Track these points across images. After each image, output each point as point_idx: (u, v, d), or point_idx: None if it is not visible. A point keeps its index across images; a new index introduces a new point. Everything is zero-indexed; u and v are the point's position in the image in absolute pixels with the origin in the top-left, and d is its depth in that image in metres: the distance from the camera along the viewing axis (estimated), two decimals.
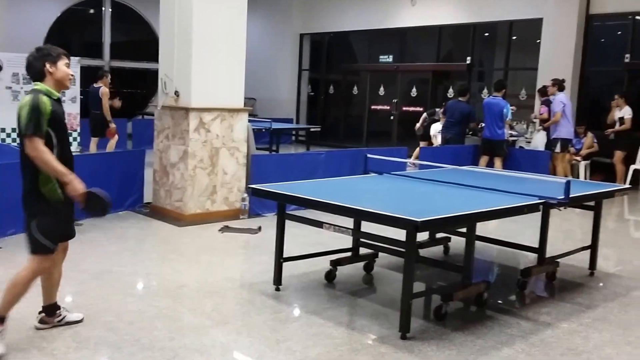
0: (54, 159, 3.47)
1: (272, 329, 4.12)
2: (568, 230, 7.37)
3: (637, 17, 11.76)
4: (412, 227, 3.70)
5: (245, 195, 7.27)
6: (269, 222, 6.46)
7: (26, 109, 3.44)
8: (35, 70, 3.62)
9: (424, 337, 3.98)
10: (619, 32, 12.31)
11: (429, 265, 5.37)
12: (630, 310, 4.72)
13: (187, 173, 6.93)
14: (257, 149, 9.32)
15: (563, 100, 10.13)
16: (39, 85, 3.59)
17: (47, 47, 3.70)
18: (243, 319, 4.27)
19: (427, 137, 11.77)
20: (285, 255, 4.81)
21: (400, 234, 3.88)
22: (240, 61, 7.27)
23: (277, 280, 4.79)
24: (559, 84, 10.24)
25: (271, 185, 4.81)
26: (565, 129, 10.15)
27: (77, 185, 3.53)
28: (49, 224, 3.58)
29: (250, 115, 8.17)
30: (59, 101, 3.65)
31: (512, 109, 10.22)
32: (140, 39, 18.51)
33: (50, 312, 3.89)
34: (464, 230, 4.61)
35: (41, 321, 3.88)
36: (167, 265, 5.03)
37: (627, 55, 11.74)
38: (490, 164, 9.87)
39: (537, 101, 11.73)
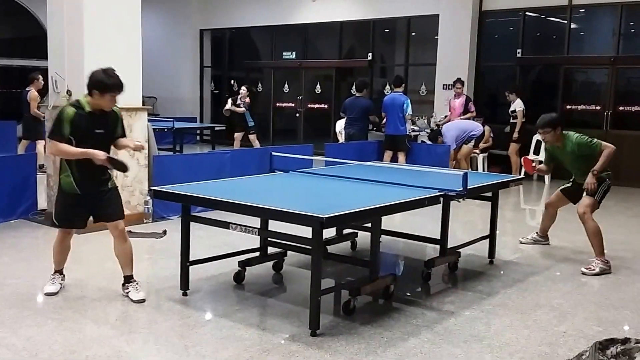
0: (69, 147, 4.25)
1: (180, 335, 4.03)
2: (469, 221, 7.65)
3: (527, 13, 12.37)
4: (317, 224, 3.71)
5: (148, 198, 7.07)
6: (174, 225, 6.31)
7: (53, 116, 4.28)
8: (87, 86, 4.30)
9: (333, 332, 4.01)
10: (511, 28, 12.89)
11: (337, 261, 5.43)
12: (527, 295, 4.96)
13: None
14: (160, 149, 9.08)
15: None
16: (79, 98, 4.38)
17: (105, 77, 4.24)
18: (149, 327, 4.14)
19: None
20: (191, 258, 4.71)
21: (307, 232, 3.88)
22: (136, 57, 6.99)
23: (184, 284, 4.68)
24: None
25: (174, 187, 4.70)
26: (476, 126, 10.67)
27: (96, 155, 4.25)
28: (57, 207, 4.57)
29: (151, 114, 7.96)
30: (90, 114, 4.31)
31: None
32: (28, 35, 17.47)
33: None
34: (370, 225, 4.69)
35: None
36: (67, 275, 4.80)
37: (519, 50, 12.34)
38: (394, 159, 10.10)
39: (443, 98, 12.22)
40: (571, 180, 6.12)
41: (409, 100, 10.12)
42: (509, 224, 7.63)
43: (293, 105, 15.94)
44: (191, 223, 4.66)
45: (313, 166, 6.75)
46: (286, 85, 16.17)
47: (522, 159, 6.15)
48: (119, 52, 6.81)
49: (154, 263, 5.82)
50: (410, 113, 10.27)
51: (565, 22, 11.88)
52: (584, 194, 5.74)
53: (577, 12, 11.89)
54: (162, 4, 16.63)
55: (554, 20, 12.32)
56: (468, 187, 4.73)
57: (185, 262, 4.67)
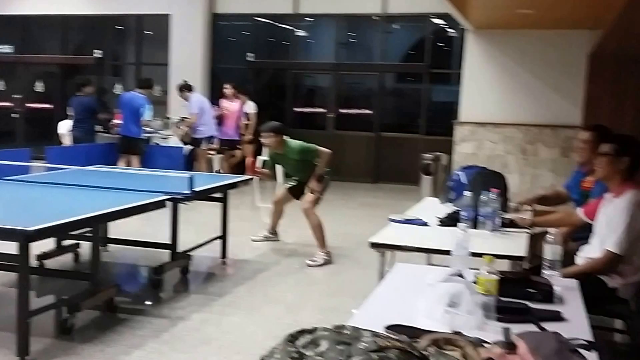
0: None
1: None
2: (202, 223, 7.60)
3: (258, 19, 12.82)
4: (23, 238, 3.35)
5: None
6: None
7: None
8: None
9: (47, 356, 3.65)
10: (244, 32, 13.22)
11: (55, 276, 4.99)
12: (257, 292, 5.09)
13: None
14: None
15: (200, 101, 10.42)
16: None
17: None
18: None
19: None
20: None
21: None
22: None
23: None
24: (187, 87, 10.52)
25: None
26: (208, 127, 10.52)
27: None
28: None
29: None
30: None
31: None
32: None
33: None
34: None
35: None
36: None
37: (251, 54, 12.72)
38: (129, 162, 9.66)
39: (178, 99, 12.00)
40: (295, 179, 6.44)
41: (148, 104, 9.64)
42: (244, 223, 7.73)
43: (10, 104, 14.38)
44: None
45: (31, 173, 6.15)
46: (1, 83, 14.57)
47: (248, 161, 6.32)
48: None
49: None
50: (149, 119, 9.77)
51: (293, 29, 12.54)
52: (307, 191, 6.08)
53: (303, 20, 12.63)
54: None
55: (283, 26, 12.91)
56: (196, 190, 4.70)
57: None
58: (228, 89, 10.79)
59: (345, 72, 12.50)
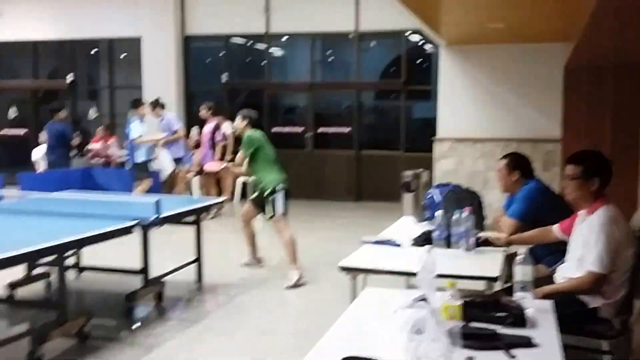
0: None
1: None
2: (177, 247, 7.46)
3: (231, 40, 12.77)
4: None
5: None
6: None
7: None
8: None
9: None
10: (217, 53, 13.15)
11: (21, 306, 4.86)
12: (234, 316, 4.97)
13: None
14: None
15: (175, 119, 10.31)
16: None
17: None
18: None
19: None
20: None
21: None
22: None
23: None
24: (162, 105, 10.37)
25: None
26: (178, 148, 10.35)
27: None
28: None
29: None
30: None
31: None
32: None
33: None
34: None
35: None
36: None
37: (224, 75, 12.65)
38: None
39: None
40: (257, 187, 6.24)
41: (133, 123, 9.36)
42: (223, 246, 7.61)
43: None
44: None
45: (4, 199, 6.02)
46: None
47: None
48: None
49: None
50: (134, 137, 9.41)
51: (267, 48, 12.50)
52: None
53: (278, 40, 12.59)
54: None
55: (257, 46, 12.87)
56: (163, 215, 4.62)
57: None
58: (201, 111, 10.49)
59: (322, 90, 12.47)
